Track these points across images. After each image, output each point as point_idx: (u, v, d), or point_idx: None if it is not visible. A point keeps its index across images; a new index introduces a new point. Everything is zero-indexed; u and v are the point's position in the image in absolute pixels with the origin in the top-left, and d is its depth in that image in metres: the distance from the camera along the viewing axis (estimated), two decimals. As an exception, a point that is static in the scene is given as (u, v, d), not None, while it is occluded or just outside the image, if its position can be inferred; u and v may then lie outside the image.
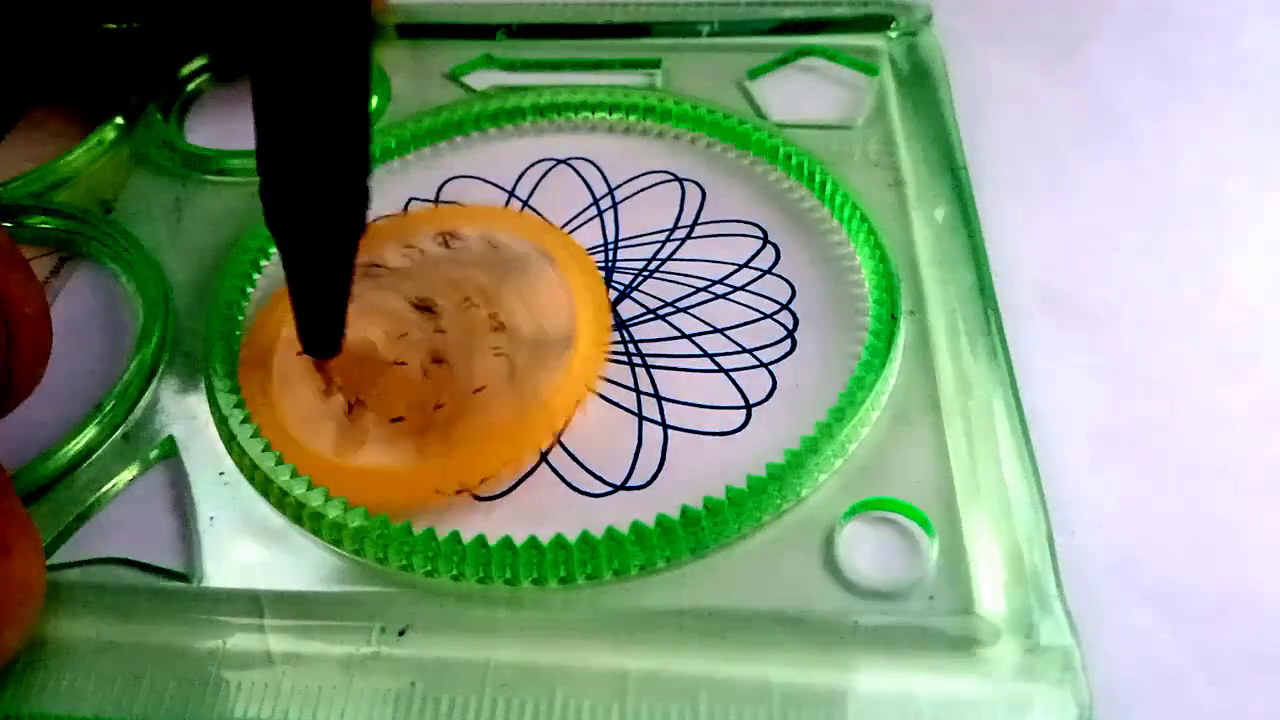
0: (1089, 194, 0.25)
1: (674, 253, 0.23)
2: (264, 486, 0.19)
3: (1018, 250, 0.23)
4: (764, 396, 0.20)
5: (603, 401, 0.20)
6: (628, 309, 0.22)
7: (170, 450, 0.20)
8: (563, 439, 0.20)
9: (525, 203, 0.25)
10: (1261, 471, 0.19)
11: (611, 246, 0.24)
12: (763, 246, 0.23)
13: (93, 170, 0.26)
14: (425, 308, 0.21)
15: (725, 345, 0.21)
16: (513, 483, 0.19)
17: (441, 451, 0.19)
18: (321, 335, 0.19)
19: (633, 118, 0.27)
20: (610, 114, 0.27)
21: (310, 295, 0.19)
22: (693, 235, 0.24)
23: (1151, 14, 0.30)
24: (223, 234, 0.24)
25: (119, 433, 0.20)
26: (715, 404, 0.20)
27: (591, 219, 0.24)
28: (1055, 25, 0.30)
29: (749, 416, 0.20)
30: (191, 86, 0.29)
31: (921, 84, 0.27)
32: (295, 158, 0.17)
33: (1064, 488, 0.18)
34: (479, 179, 0.26)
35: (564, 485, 0.19)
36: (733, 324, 0.22)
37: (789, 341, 0.21)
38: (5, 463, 0.17)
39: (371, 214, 0.24)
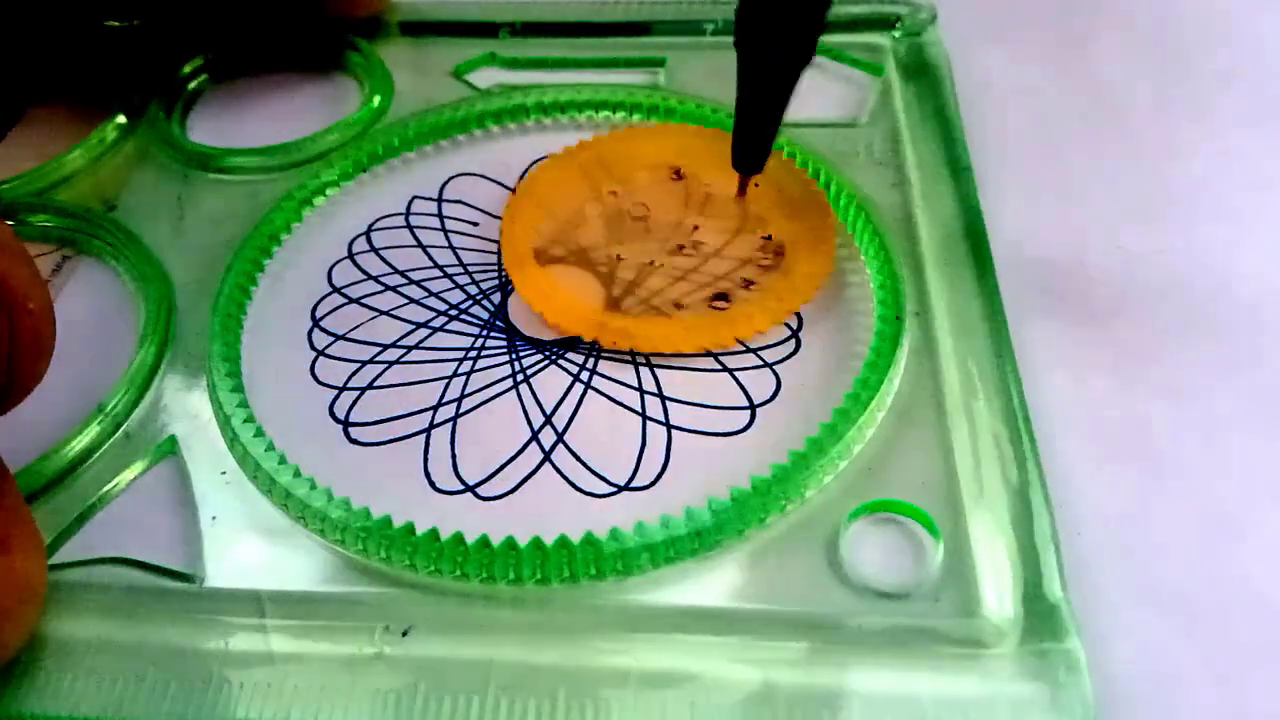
0: (1094, 193, 0.25)
1: (677, 251, 0.23)
2: (267, 486, 0.19)
3: (1022, 249, 0.23)
4: (768, 397, 0.20)
5: (606, 401, 0.20)
6: (631, 307, 0.22)
7: (172, 449, 0.20)
8: (566, 439, 0.20)
9: (528, 201, 0.25)
10: (1267, 472, 0.19)
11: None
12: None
13: (95, 168, 0.26)
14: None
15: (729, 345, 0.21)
16: (516, 483, 0.19)
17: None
18: (753, 152, 0.22)
19: (636, 116, 0.27)
20: (614, 113, 0.27)
21: (755, 112, 0.21)
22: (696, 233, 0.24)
23: (1156, 12, 0.30)
24: (225, 232, 0.24)
25: (121, 431, 0.20)
26: (719, 404, 0.20)
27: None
28: (1059, 23, 0.30)
29: (753, 417, 0.20)
30: (193, 84, 0.29)
31: (926, 83, 0.27)
32: None
33: (1069, 488, 0.18)
34: (482, 177, 0.26)
35: (567, 485, 0.19)
36: (737, 324, 0.22)
37: (793, 342, 0.21)
38: (7, 461, 0.17)
39: (374, 214, 0.25)
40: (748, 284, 0.22)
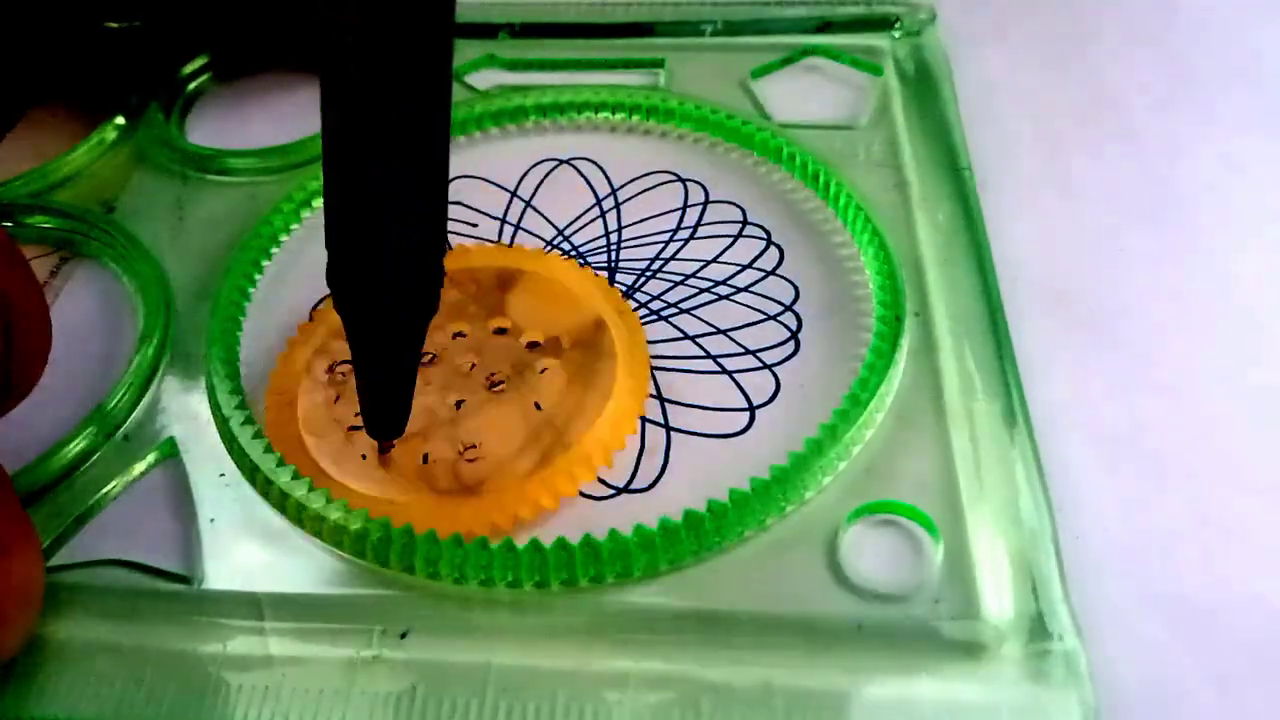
0: (1094, 194, 0.24)
1: (677, 253, 0.23)
2: (265, 488, 0.19)
3: (1022, 251, 0.23)
4: (767, 398, 0.20)
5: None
6: (630, 310, 0.22)
7: (171, 451, 0.20)
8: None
9: (528, 203, 0.25)
10: (1270, 474, 0.19)
11: (614, 247, 0.24)
12: (766, 247, 0.23)
13: (94, 170, 0.26)
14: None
15: (728, 347, 0.21)
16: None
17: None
18: (387, 418, 0.18)
19: (636, 118, 0.27)
20: (613, 114, 0.27)
21: (378, 378, 0.17)
22: (696, 236, 0.24)
23: (1157, 13, 0.30)
24: (224, 234, 0.24)
25: (119, 433, 0.20)
26: (718, 406, 0.20)
27: (594, 219, 0.24)
28: (1060, 25, 0.30)
29: (752, 418, 0.20)
30: (193, 86, 0.29)
31: (925, 84, 0.27)
32: (370, 233, 0.16)
33: (1070, 490, 0.18)
34: (481, 179, 0.26)
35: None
36: (736, 325, 0.22)
37: (793, 343, 0.21)
38: (5, 463, 0.17)
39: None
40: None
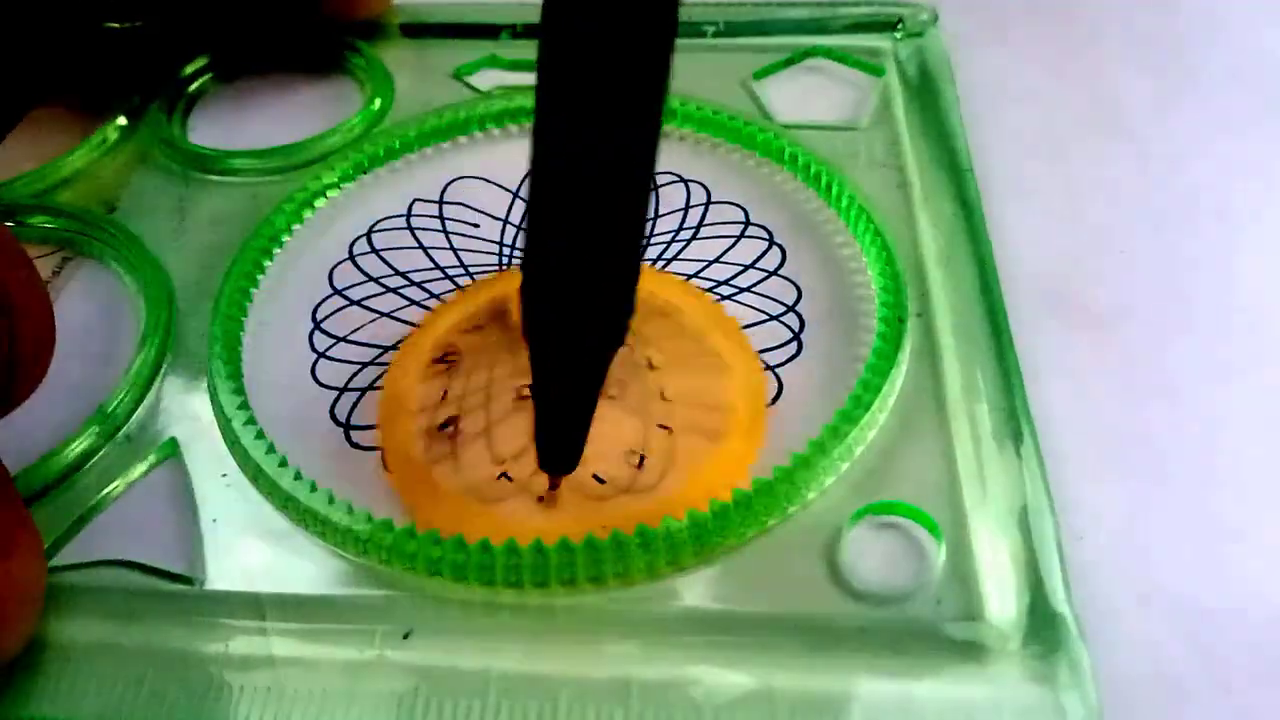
0: (1096, 195, 0.24)
1: (679, 254, 0.23)
2: (267, 488, 0.19)
3: (1025, 252, 0.23)
4: (770, 399, 0.20)
5: (607, 403, 0.20)
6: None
7: (173, 452, 0.20)
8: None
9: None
10: (1272, 474, 0.19)
11: (616, 248, 0.24)
12: (768, 248, 0.23)
13: (95, 170, 0.26)
14: None
15: (730, 347, 0.21)
16: (518, 485, 0.19)
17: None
18: (563, 450, 0.18)
19: (637, 118, 0.27)
20: (615, 114, 0.27)
21: (559, 409, 0.17)
22: (698, 237, 0.24)
23: (1159, 14, 0.30)
24: (226, 234, 0.24)
25: (121, 434, 0.20)
26: (720, 406, 0.20)
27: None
28: (1062, 26, 0.30)
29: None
30: (194, 86, 0.29)
31: (927, 85, 0.27)
32: (570, 265, 0.15)
33: (1072, 492, 0.18)
34: (483, 179, 0.26)
35: (568, 489, 0.19)
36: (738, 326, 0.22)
37: (795, 344, 0.21)
38: (7, 463, 0.17)
39: (374, 216, 0.25)
40: (663, 427, 0.20)
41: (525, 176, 0.25)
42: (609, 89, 0.14)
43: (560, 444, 0.18)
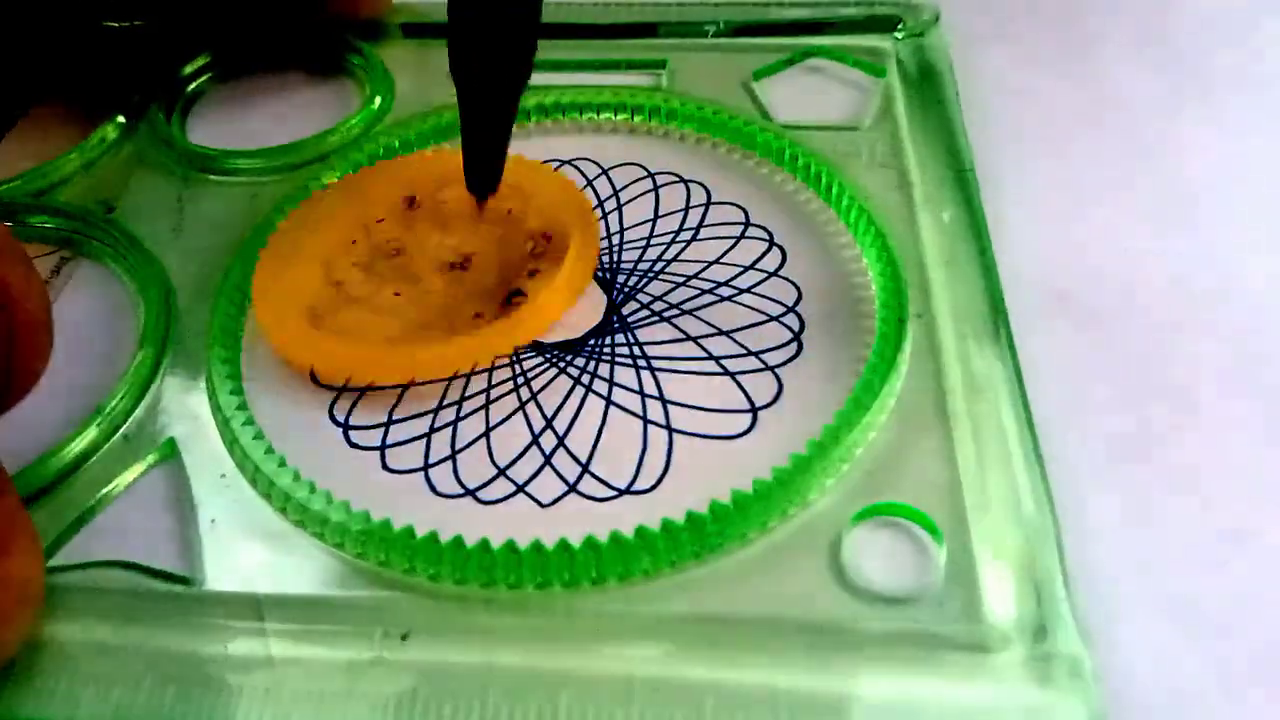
0: (1098, 195, 0.24)
1: (679, 254, 0.23)
2: (266, 489, 0.19)
3: (1026, 252, 0.23)
4: (770, 400, 0.20)
5: (607, 405, 0.20)
6: (632, 311, 0.22)
7: (171, 452, 0.20)
8: (566, 442, 0.20)
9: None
10: (1275, 475, 0.19)
11: (615, 248, 0.24)
12: (769, 248, 0.23)
13: (94, 169, 0.26)
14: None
15: (731, 348, 0.21)
16: (516, 487, 0.19)
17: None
18: (485, 172, 0.22)
19: (638, 118, 0.27)
20: (615, 114, 0.27)
21: (479, 135, 0.21)
22: (698, 237, 0.24)
23: (1161, 14, 0.30)
24: (225, 234, 0.24)
25: (120, 434, 0.20)
26: (721, 407, 0.20)
27: (596, 220, 0.24)
28: (1064, 25, 0.30)
29: (755, 420, 0.20)
30: (193, 86, 0.29)
31: (928, 85, 0.27)
32: (484, 14, 0.20)
33: (1073, 492, 0.18)
34: (483, 179, 0.26)
35: (568, 489, 0.19)
36: (738, 326, 0.22)
37: (795, 345, 0.21)
38: (5, 463, 0.17)
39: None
40: (533, 274, 0.22)
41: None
42: None
43: (484, 166, 0.22)
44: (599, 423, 0.20)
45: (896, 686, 0.16)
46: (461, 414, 0.20)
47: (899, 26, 0.28)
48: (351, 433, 0.20)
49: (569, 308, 0.22)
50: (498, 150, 0.22)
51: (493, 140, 0.22)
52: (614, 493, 0.19)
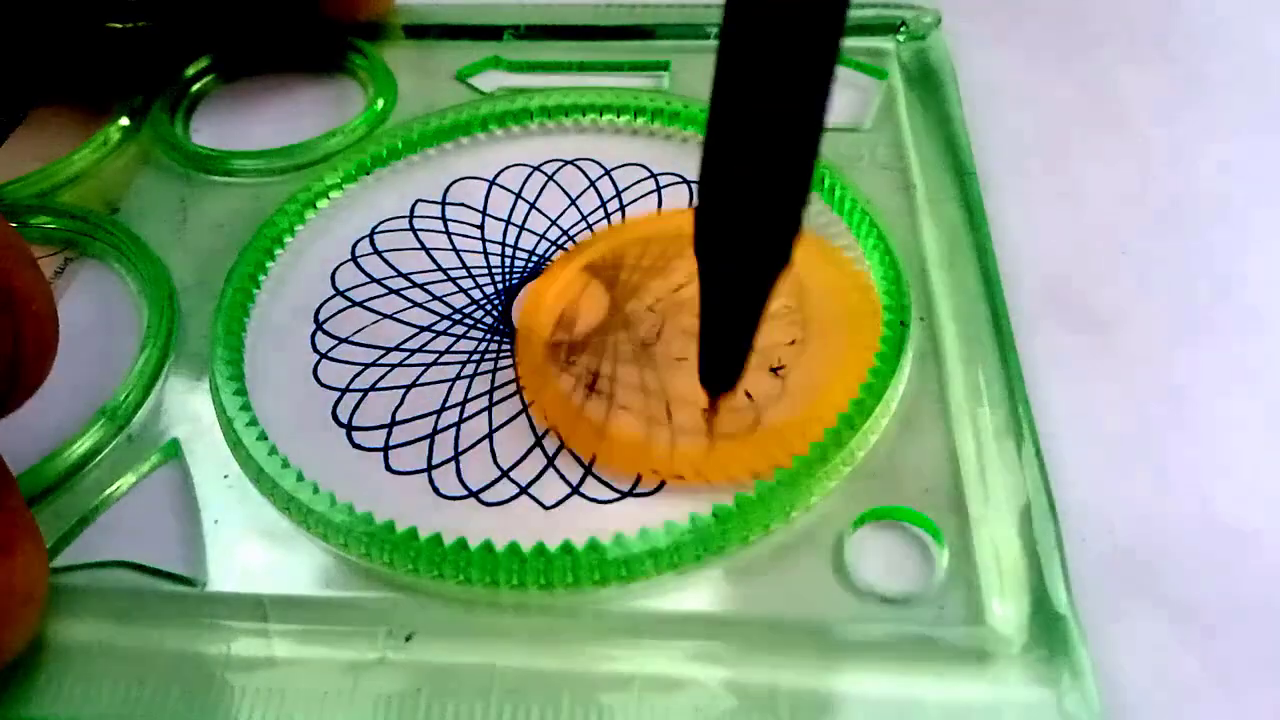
0: (1099, 198, 0.24)
1: (681, 253, 0.23)
2: (269, 489, 0.19)
3: (1027, 254, 0.23)
4: (772, 402, 0.20)
5: (609, 404, 0.20)
6: (634, 311, 0.22)
7: (174, 453, 0.20)
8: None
9: (532, 204, 0.25)
10: (1274, 475, 0.19)
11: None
12: (771, 250, 0.23)
13: (98, 170, 0.26)
14: None
15: (733, 349, 0.21)
16: (519, 488, 0.19)
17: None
18: (726, 367, 0.18)
19: (640, 120, 0.27)
20: (618, 116, 0.27)
21: (724, 326, 0.18)
22: (700, 238, 0.24)
23: (1162, 17, 0.30)
24: (228, 235, 0.24)
25: (123, 434, 0.20)
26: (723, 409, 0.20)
27: (599, 221, 0.24)
28: (1064, 28, 0.30)
29: (757, 422, 0.20)
30: (197, 87, 0.29)
31: (930, 87, 0.27)
32: (744, 184, 0.16)
33: (1075, 495, 0.18)
34: (485, 180, 0.26)
35: (571, 491, 0.19)
36: (740, 328, 0.22)
37: (797, 345, 0.21)
38: (9, 463, 0.17)
39: (377, 217, 0.25)
40: (775, 370, 0.20)
41: (526, 176, 0.25)
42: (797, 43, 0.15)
43: (725, 361, 0.18)
44: (601, 423, 0.20)
45: (897, 687, 0.16)
46: (464, 416, 0.20)
47: (901, 29, 0.28)
48: (355, 434, 0.20)
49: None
50: (742, 347, 0.18)
51: (740, 332, 0.18)
52: (617, 495, 0.19)
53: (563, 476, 0.19)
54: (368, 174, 0.26)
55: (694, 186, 0.25)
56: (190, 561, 0.18)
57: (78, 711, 0.16)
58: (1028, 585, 0.17)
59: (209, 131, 0.28)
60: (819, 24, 0.14)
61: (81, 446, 0.20)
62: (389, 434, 0.20)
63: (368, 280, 0.23)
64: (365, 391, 0.21)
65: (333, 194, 0.25)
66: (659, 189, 0.25)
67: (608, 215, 0.24)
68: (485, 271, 0.23)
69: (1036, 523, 0.17)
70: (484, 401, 0.21)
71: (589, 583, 0.17)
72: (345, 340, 0.22)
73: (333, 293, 0.23)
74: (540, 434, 0.20)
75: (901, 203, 0.23)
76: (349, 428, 0.20)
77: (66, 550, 0.18)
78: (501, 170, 0.26)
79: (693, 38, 0.29)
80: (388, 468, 0.19)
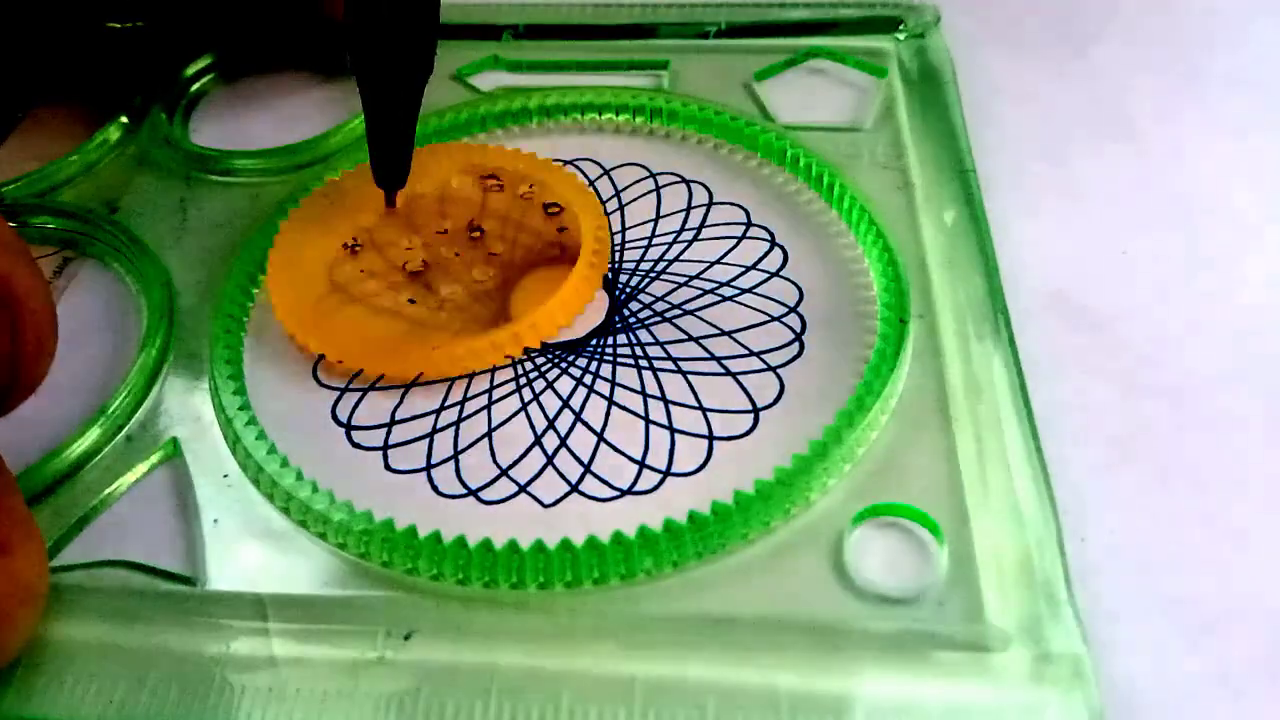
0: (1098, 196, 0.24)
1: (680, 255, 0.23)
2: (269, 489, 0.19)
3: (1026, 253, 0.23)
4: (771, 400, 0.20)
5: (609, 405, 0.20)
6: (634, 311, 0.22)
7: (174, 452, 0.20)
8: (568, 443, 0.20)
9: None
10: (1274, 475, 0.19)
11: (617, 248, 0.24)
12: (770, 249, 0.23)
13: (97, 170, 0.26)
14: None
15: (732, 348, 0.21)
16: (519, 487, 0.19)
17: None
18: (392, 167, 0.22)
19: (639, 119, 0.27)
20: (617, 115, 0.27)
21: (385, 128, 0.22)
22: (699, 238, 0.24)
23: (1160, 15, 0.30)
24: (227, 234, 0.24)
25: (122, 434, 0.20)
26: (722, 408, 0.20)
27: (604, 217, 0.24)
28: (1064, 27, 0.30)
29: (756, 420, 0.20)
30: (196, 86, 0.29)
31: (930, 86, 0.27)
32: (382, 11, 0.21)
33: (1074, 492, 0.18)
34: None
35: (570, 489, 0.19)
36: (740, 327, 0.22)
37: (797, 345, 0.21)
38: (9, 462, 0.17)
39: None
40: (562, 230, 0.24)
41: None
42: None
43: (391, 160, 0.22)
44: (601, 423, 0.20)
45: (897, 686, 0.16)
46: (464, 414, 0.20)
47: (900, 27, 0.28)
48: (354, 433, 0.20)
49: (579, 312, 0.22)
50: (404, 144, 0.22)
51: (399, 134, 0.22)
52: (616, 493, 0.19)
53: (562, 475, 0.19)
54: (367, 173, 0.26)
55: (692, 186, 0.25)
56: (189, 561, 0.18)
57: (78, 711, 0.16)
58: (1028, 583, 0.17)
59: (209, 131, 0.28)
60: None
61: (81, 446, 0.20)
62: (388, 433, 0.20)
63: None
64: (365, 390, 0.21)
65: (332, 194, 0.25)
66: (658, 188, 0.25)
67: (606, 214, 0.24)
68: (485, 271, 0.23)
69: (1036, 520, 0.17)
70: (483, 400, 0.21)
71: (588, 581, 0.17)
72: (345, 339, 0.22)
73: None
74: (540, 433, 0.20)
75: (901, 201, 0.23)
76: (348, 427, 0.20)
77: (66, 550, 0.18)
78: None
79: (691, 37, 0.29)
80: (387, 466, 0.19)
